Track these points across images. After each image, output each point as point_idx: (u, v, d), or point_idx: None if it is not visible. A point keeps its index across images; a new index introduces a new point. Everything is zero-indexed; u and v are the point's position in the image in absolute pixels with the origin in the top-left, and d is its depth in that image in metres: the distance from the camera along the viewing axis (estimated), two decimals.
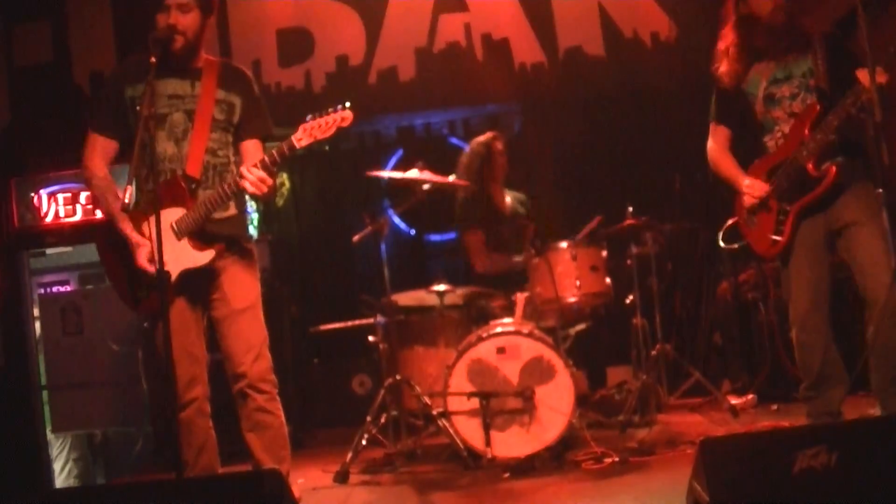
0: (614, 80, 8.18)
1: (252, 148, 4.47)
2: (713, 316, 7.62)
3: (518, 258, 6.43)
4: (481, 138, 6.87)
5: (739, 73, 4.76)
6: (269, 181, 4.19)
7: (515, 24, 8.07)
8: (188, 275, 4.24)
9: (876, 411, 4.69)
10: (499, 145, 6.80)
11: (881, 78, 4.15)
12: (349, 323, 6.92)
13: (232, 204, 4.40)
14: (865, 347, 4.58)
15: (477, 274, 6.67)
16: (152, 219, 3.84)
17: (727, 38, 4.82)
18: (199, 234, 4.26)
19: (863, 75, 4.20)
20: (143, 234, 4.22)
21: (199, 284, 4.35)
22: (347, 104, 4.17)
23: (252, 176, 4.12)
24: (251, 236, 4.61)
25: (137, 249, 4.20)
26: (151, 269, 4.12)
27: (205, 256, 4.26)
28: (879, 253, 4.44)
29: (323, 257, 8.78)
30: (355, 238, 6.22)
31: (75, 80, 8.27)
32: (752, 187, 4.73)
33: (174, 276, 4.14)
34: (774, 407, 6.26)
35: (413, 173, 5.96)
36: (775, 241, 4.66)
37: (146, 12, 4.34)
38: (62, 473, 8.18)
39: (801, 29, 4.68)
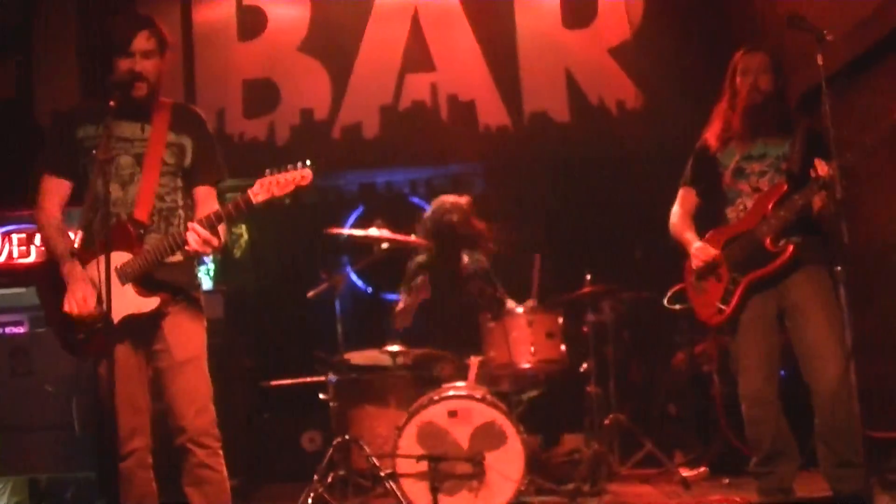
0: (579, 145, 8.20)
1: (205, 195, 4.37)
2: (668, 386, 7.60)
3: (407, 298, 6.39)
4: (456, 200, 6.60)
5: (721, 141, 4.82)
6: (214, 242, 4.08)
7: (482, 87, 8.10)
8: (131, 322, 4.11)
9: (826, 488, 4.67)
10: (469, 210, 6.54)
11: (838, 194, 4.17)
12: (301, 380, 6.82)
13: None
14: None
15: (396, 331, 6.51)
16: (98, 260, 3.76)
17: (719, 106, 4.89)
18: (145, 281, 4.15)
19: (820, 166, 4.33)
20: (88, 276, 4.12)
21: (143, 332, 4.23)
22: (308, 162, 4.02)
23: (196, 235, 4.03)
24: (200, 285, 4.49)
25: (67, 292, 4.09)
26: (75, 311, 4.03)
27: (149, 303, 4.14)
28: (825, 341, 4.47)
29: (279, 310, 8.68)
30: (310, 293, 6.16)
31: (37, 119, 8.16)
32: (700, 250, 4.77)
33: (116, 320, 3.99)
34: (726, 480, 6.24)
35: (372, 231, 5.92)
36: (721, 309, 4.68)
37: (111, 57, 4.27)
38: None
39: (784, 115, 4.75)
